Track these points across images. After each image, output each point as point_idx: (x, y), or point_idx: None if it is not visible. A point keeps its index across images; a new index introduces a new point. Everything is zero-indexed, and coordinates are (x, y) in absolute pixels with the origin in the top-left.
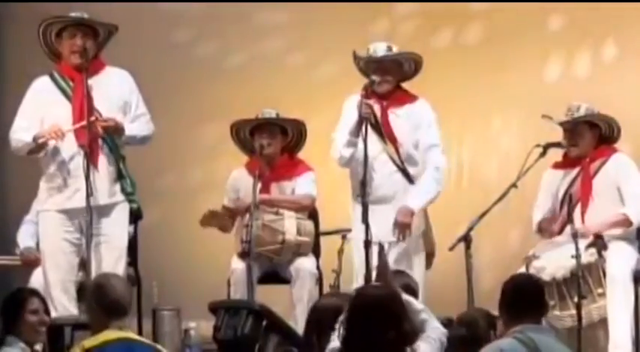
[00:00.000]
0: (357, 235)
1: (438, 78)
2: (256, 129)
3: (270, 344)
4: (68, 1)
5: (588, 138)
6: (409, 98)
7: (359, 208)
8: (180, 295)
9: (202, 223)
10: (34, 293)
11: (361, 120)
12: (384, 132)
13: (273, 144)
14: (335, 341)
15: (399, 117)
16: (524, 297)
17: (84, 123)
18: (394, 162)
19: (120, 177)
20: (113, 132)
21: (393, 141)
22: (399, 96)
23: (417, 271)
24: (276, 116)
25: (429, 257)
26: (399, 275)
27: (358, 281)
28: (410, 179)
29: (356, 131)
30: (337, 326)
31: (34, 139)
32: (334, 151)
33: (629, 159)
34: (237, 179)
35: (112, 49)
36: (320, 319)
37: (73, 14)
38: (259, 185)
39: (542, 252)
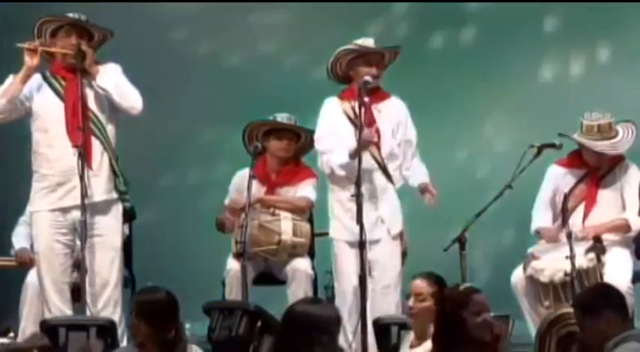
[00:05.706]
0: (336, 235)
1: (433, 78)
2: (273, 132)
3: (265, 345)
4: (69, 0)
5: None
6: (385, 94)
7: (336, 206)
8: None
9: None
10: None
11: (360, 147)
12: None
13: (290, 148)
14: None
15: (381, 113)
16: None
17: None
18: (376, 159)
19: (114, 175)
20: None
21: (377, 138)
22: (379, 93)
23: (394, 270)
24: (294, 122)
25: (403, 256)
26: None
27: (350, 281)
28: (389, 177)
29: (355, 155)
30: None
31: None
32: (326, 167)
33: (635, 168)
34: (243, 179)
35: (111, 49)
36: (291, 326)
37: (70, 15)
38: (264, 189)
39: (542, 252)
